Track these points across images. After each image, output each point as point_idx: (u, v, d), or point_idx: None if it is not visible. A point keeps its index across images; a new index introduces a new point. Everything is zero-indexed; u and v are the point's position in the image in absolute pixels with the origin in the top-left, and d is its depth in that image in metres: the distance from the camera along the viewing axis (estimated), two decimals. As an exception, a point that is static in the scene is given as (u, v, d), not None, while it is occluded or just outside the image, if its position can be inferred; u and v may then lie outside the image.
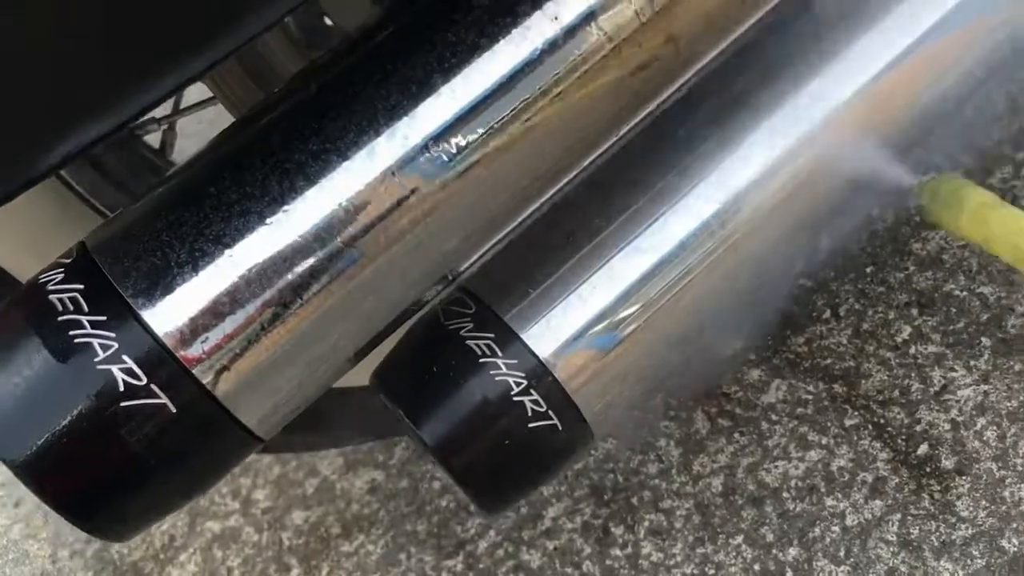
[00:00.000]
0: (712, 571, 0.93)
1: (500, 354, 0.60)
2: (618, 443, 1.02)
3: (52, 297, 0.45)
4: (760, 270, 0.65)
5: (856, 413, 0.97)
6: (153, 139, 0.93)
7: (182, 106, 0.86)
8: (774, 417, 0.99)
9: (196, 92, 0.78)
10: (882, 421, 0.96)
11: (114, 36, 0.37)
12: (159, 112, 0.84)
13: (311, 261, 0.47)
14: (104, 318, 0.45)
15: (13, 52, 0.36)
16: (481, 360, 0.60)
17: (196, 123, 1.03)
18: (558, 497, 1.02)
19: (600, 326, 0.61)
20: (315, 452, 1.10)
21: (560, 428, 0.61)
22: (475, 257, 0.58)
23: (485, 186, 0.51)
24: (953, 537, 0.87)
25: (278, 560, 1.05)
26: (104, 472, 0.45)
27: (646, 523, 0.98)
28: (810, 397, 0.99)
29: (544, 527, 1.00)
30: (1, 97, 0.37)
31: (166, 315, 0.45)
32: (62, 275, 0.46)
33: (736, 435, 0.99)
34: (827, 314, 1.04)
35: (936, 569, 0.86)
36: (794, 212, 0.64)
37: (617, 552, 0.97)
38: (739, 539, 0.94)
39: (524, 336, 0.60)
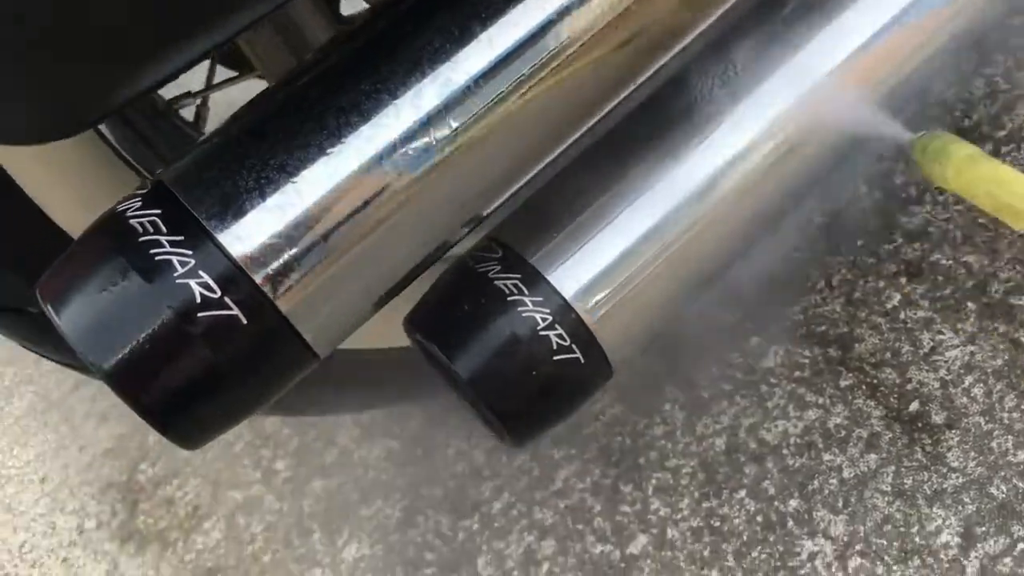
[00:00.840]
0: (717, 523, 0.98)
1: (527, 293, 0.65)
2: (626, 407, 1.06)
3: (132, 222, 0.50)
4: (761, 218, 0.70)
5: (850, 375, 1.02)
6: (188, 113, 0.98)
7: (215, 81, 0.91)
8: (773, 380, 1.04)
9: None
10: (875, 381, 1.01)
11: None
12: (194, 87, 0.89)
13: (364, 189, 0.52)
14: (181, 238, 0.49)
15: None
16: (509, 298, 0.65)
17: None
18: (569, 460, 1.06)
19: (619, 267, 0.66)
20: (333, 422, 1.15)
21: (582, 361, 0.66)
22: (500, 202, 0.63)
23: (518, 127, 0.56)
24: (944, 486, 0.93)
25: (300, 526, 1.09)
26: (181, 378, 0.50)
27: (653, 481, 1.03)
28: (806, 361, 1.05)
29: (556, 488, 1.05)
30: (102, 18, 0.42)
31: (237, 236, 0.50)
32: (140, 203, 0.51)
33: (737, 398, 1.05)
34: (821, 284, 1.10)
35: (929, 515, 0.91)
36: (795, 166, 0.70)
37: (627, 508, 1.02)
38: (742, 493, 0.99)
39: (549, 276, 0.65)
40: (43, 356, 0.80)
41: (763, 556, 0.95)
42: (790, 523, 0.96)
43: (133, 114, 0.84)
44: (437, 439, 1.11)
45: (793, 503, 0.97)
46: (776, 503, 0.97)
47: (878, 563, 0.91)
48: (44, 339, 0.77)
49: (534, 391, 0.65)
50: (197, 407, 0.51)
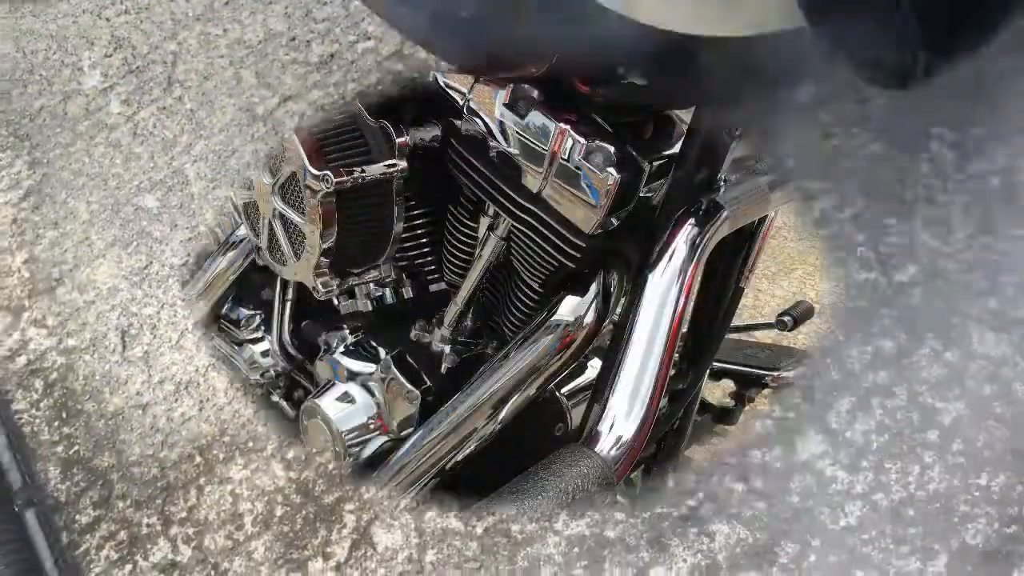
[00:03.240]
0: (996, 257, 0.94)
1: None
2: (887, 144, 1.01)
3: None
4: None
5: None
6: None
7: None
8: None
9: None
10: None
11: None
12: None
13: None
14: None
15: None
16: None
17: None
18: (826, 193, 1.02)
19: None
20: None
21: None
22: None
23: None
24: None
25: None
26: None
27: (921, 216, 0.98)
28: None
29: (813, 217, 1.01)
30: None
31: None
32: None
33: (1014, 138, 0.99)
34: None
35: None
36: None
37: (893, 240, 0.98)
38: (1022, 231, 0.94)
39: None
40: None
41: (1049, 288, 0.91)
42: (1079, 258, 0.92)
43: None
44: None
45: (1082, 239, 0.92)
46: (1062, 239, 0.93)
47: None
48: None
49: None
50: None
